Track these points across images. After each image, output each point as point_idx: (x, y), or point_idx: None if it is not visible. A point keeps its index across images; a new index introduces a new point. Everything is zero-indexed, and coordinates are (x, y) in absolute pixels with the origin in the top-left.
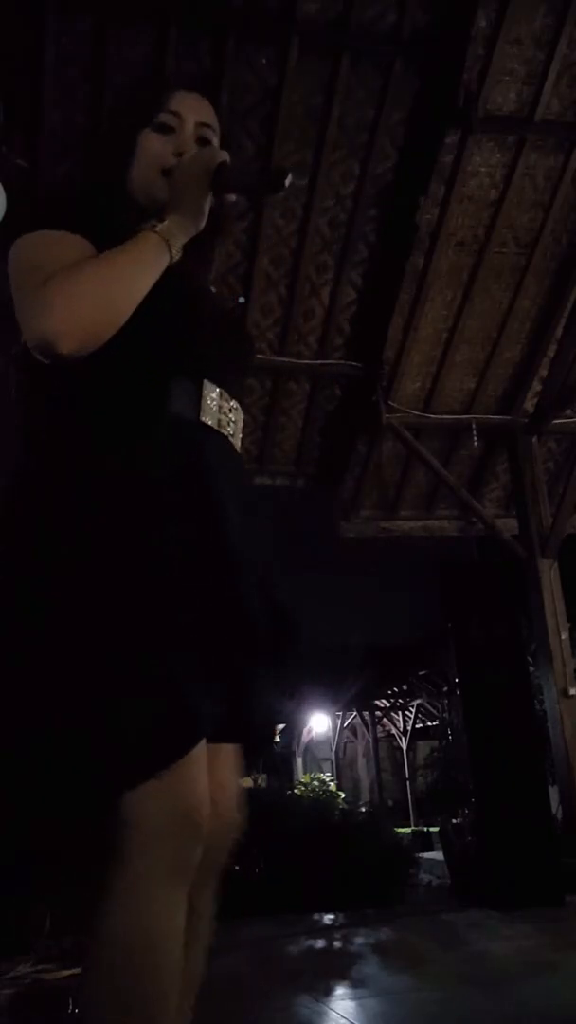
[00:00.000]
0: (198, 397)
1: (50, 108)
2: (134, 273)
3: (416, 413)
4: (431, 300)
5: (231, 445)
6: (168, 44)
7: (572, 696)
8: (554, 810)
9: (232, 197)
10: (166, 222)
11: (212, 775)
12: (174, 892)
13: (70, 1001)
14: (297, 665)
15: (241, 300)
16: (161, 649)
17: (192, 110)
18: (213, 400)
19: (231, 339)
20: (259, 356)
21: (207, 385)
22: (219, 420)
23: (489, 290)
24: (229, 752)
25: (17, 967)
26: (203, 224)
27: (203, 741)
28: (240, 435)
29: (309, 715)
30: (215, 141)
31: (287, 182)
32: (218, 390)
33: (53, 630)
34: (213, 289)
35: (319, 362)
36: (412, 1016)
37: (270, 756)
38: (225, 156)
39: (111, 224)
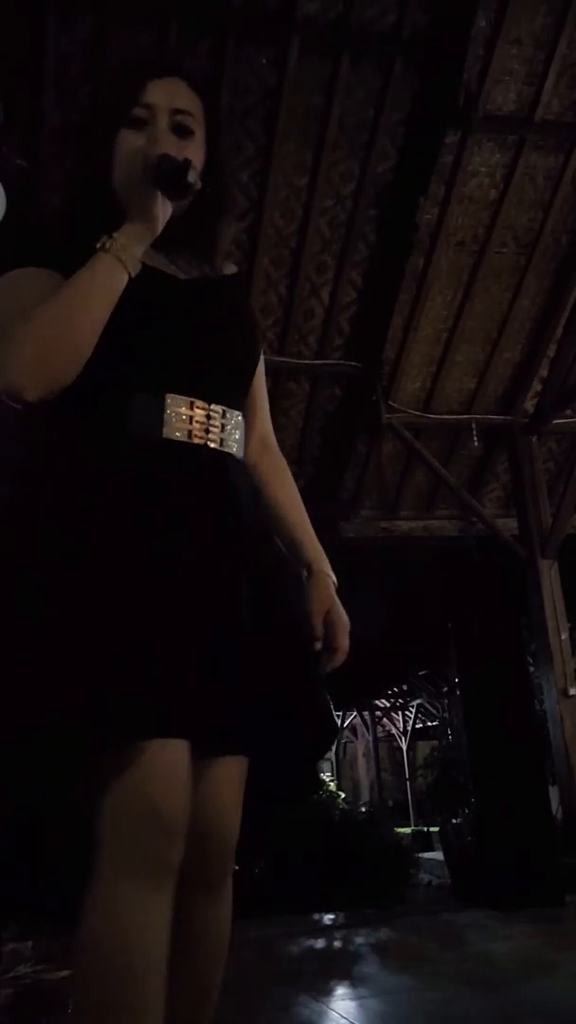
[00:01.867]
0: (160, 412)
1: (50, 108)
2: (86, 305)
3: (416, 413)
4: (431, 300)
5: (208, 456)
6: (168, 44)
7: (572, 696)
8: (554, 810)
9: (197, 185)
10: (115, 236)
11: (212, 787)
12: (144, 891)
13: (70, 1001)
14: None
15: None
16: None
17: (165, 97)
18: (178, 413)
19: (224, 335)
20: None
21: (172, 398)
22: (191, 431)
23: (489, 290)
24: (234, 766)
25: (17, 967)
26: (159, 226)
27: (180, 745)
28: (236, 438)
29: None
30: (197, 126)
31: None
32: (189, 401)
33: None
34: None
35: (319, 362)
36: (412, 1016)
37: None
38: (165, 148)
39: (94, 235)
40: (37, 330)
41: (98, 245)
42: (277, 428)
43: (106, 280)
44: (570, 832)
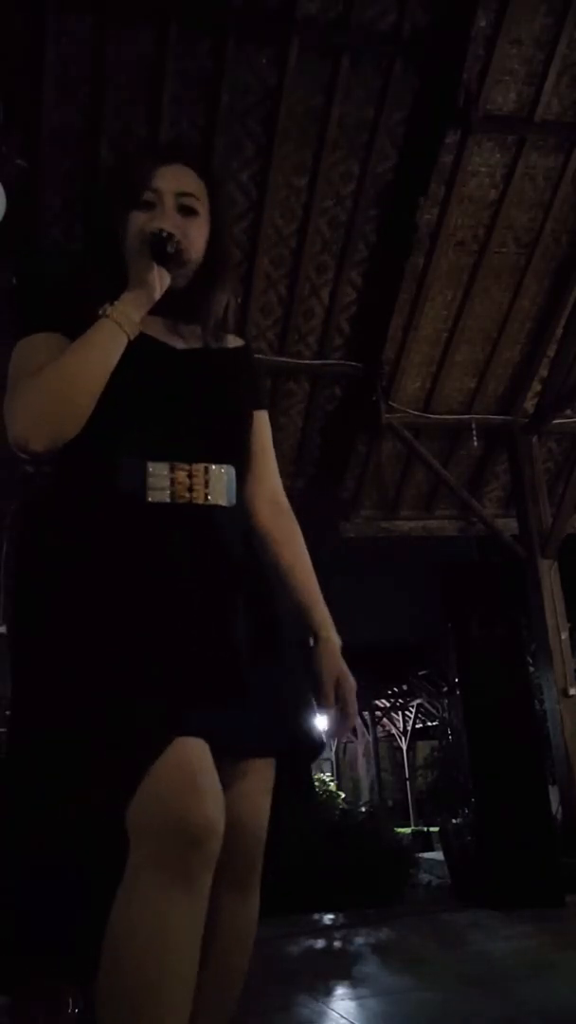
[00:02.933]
0: (143, 476)
1: (50, 108)
2: (88, 367)
3: (416, 413)
4: (431, 300)
5: (194, 511)
6: (168, 44)
7: (572, 696)
8: (554, 810)
9: (178, 253)
10: (116, 303)
11: (237, 788)
12: (170, 893)
13: (70, 1001)
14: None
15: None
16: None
17: (171, 182)
18: (160, 477)
19: (209, 399)
20: (259, 356)
21: (153, 465)
22: (173, 493)
23: (489, 290)
24: (259, 767)
25: None
26: (156, 294)
27: (202, 750)
28: (222, 489)
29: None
30: (201, 207)
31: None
32: (167, 464)
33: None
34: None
35: (319, 362)
36: (412, 1016)
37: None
38: (160, 225)
39: (100, 304)
40: (43, 387)
41: (100, 312)
42: (277, 428)
43: (106, 343)
44: (570, 832)
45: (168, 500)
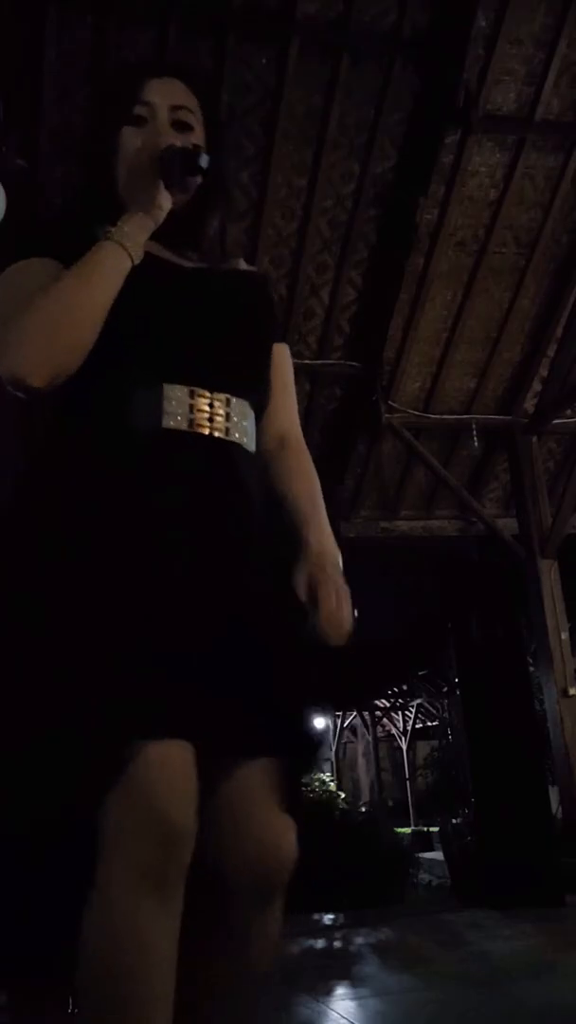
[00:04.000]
0: (158, 401)
1: (50, 108)
2: (89, 289)
3: (416, 413)
4: (431, 300)
5: (213, 445)
6: (168, 44)
7: (572, 696)
8: (554, 810)
9: (197, 179)
10: (119, 224)
11: (242, 795)
12: (143, 897)
13: (70, 1001)
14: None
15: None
16: (81, 654)
17: (164, 95)
18: (178, 400)
19: (229, 323)
20: None
21: (169, 388)
22: (192, 420)
23: (489, 290)
24: (258, 770)
25: None
26: (161, 215)
27: (183, 748)
28: (245, 428)
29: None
30: (196, 122)
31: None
32: (187, 389)
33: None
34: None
35: (319, 362)
36: (412, 1016)
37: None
38: (170, 140)
39: (96, 229)
40: (41, 316)
41: (103, 232)
42: None
43: (109, 265)
44: (570, 832)
45: (186, 428)
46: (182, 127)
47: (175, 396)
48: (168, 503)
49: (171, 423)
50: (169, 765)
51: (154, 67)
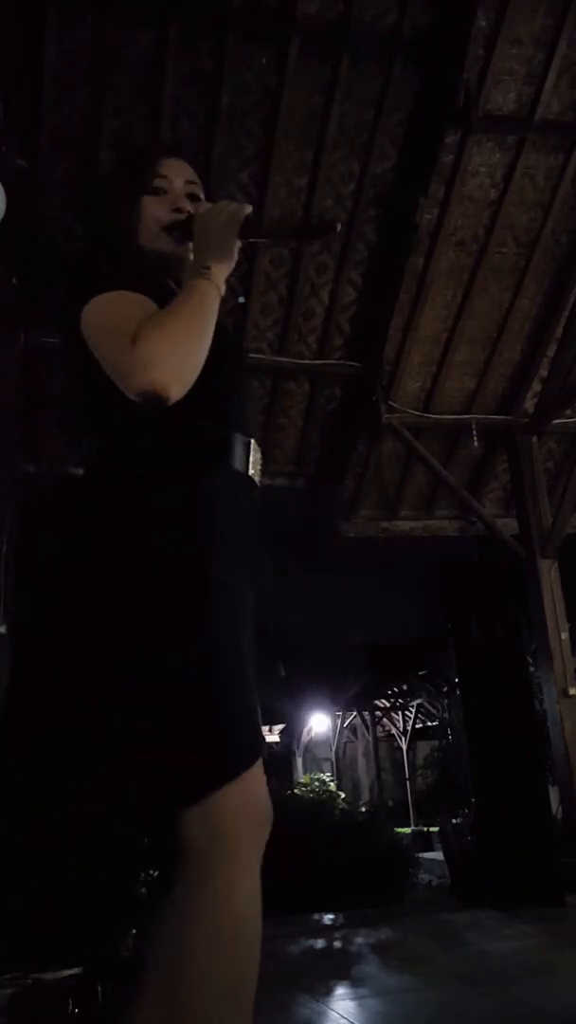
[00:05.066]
0: (247, 451)
1: (50, 108)
2: (205, 320)
3: (416, 413)
4: (431, 300)
5: (255, 489)
6: (168, 44)
7: (572, 696)
8: (554, 810)
9: (262, 241)
10: (212, 268)
11: None
12: (255, 880)
13: (70, 1001)
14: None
15: (241, 300)
16: (236, 675)
17: (178, 172)
18: (253, 451)
19: (241, 374)
20: (259, 356)
21: (253, 443)
22: (253, 468)
23: (489, 290)
24: None
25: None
26: (232, 266)
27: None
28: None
29: (309, 715)
30: (201, 194)
31: (336, 228)
32: (251, 443)
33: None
34: None
35: (319, 362)
36: (412, 1016)
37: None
38: (250, 208)
39: (147, 281)
40: (176, 339)
41: (196, 274)
42: (277, 428)
43: (212, 303)
44: (570, 832)
45: (255, 476)
46: (194, 199)
47: (253, 447)
48: (256, 546)
49: (249, 470)
50: (262, 775)
51: (165, 148)
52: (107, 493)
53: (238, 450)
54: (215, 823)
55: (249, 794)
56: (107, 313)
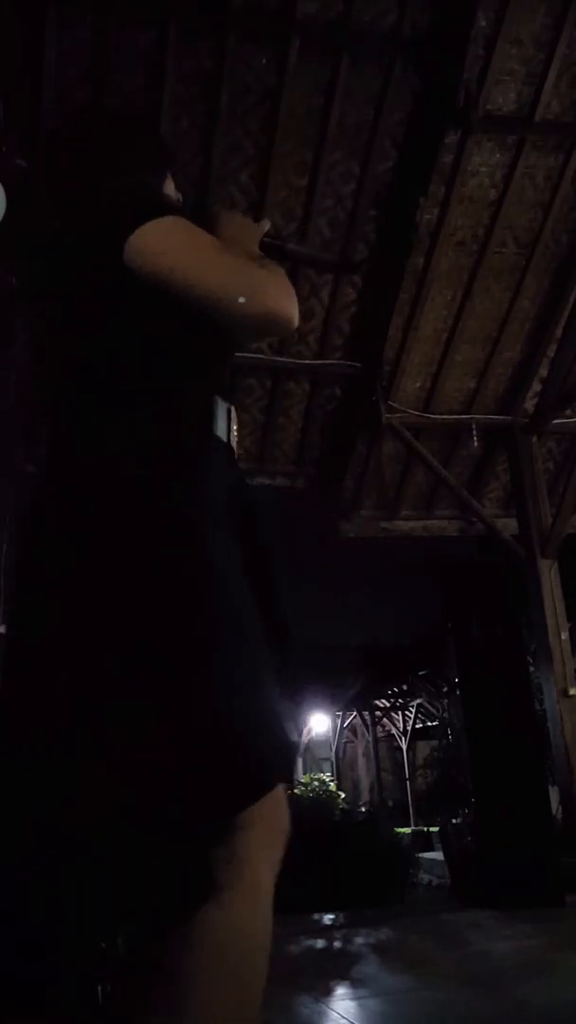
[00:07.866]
0: (229, 419)
1: (50, 108)
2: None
3: (416, 413)
4: (431, 300)
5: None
6: (168, 44)
7: (572, 696)
8: (554, 810)
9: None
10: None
11: None
12: (270, 907)
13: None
14: (294, 674)
15: (241, 300)
16: (260, 678)
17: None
18: (233, 421)
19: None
20: (259, 356)
21: (231, 409)
22: (230, 437)
23: (489, 290)
24: None
25: None
26: None
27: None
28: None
29: (309, 715)
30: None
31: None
32: (231, 409)
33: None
34: None
35: (319, 362)
36: (412, 1016)
37: None
38: (268, 225)
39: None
40: (285, 282)
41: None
42: (277, 428)
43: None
44: (570, 832)
45: (232, 443)
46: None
47: (232, 416)
48: (241, 522)
49: (228, 439)
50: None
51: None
52: (98, 485)
53: (220, 417)
54: (231, 848)
55: (269, 810)
56: (192, 235)
